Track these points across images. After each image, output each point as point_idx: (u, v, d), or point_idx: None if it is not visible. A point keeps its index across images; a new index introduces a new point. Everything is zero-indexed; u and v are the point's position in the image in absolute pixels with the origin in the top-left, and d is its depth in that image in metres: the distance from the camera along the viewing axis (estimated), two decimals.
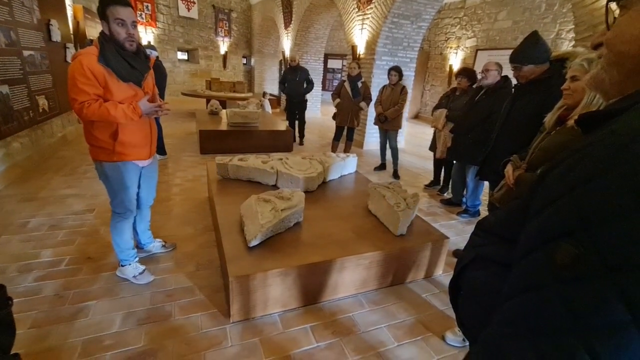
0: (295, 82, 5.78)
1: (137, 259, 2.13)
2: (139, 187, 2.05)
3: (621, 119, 0.43)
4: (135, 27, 1.68)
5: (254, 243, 1.94)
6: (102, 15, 1.63)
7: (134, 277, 2.08)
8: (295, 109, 6.04)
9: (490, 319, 0.49)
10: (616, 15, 0.49)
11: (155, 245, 2.39)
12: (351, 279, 2.07)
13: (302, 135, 6.19)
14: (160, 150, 4.47)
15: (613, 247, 0.36)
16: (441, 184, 4.19)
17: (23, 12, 3.67)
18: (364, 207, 2.62)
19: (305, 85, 5.81)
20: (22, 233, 2.54)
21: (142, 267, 2.12)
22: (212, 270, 2.27)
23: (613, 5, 0.49)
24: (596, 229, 0.37)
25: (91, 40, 1.51)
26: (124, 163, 1.85)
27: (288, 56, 9.13)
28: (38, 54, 3.97)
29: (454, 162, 3.63)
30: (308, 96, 6.09)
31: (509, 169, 1.75)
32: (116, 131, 1.76)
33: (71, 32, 5.23)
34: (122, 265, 2.09)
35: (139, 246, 2.33)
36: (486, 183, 3.13)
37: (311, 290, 1.97)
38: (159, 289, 2.05)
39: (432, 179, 4.38)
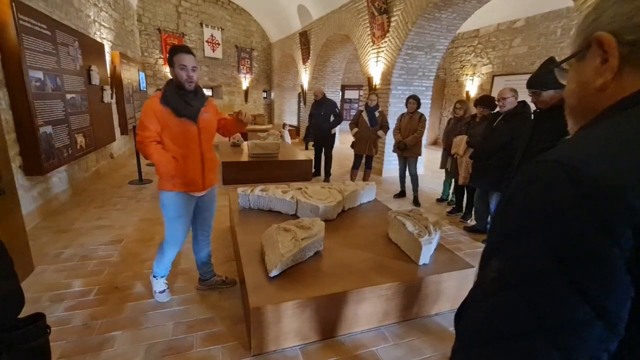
0: (320, 116, 5.45)
1: (165, 277, 2.26)
2: (195, 216, 2.20)
3: None
4: (194, 70, 1.91)
5: (274, 273, 1.95)
6: (170, 62, 1.88)
7: (155, 292, 2.23)
8: (321, 143, 5.67)
9: None
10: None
11: (216, 280, 2.41)
12: (373, 311, 2.01)
13: (327, 173, 5.65)
14: None
15: (520, 261, 0.40)
16: (464, 210, 4.09)
17: (68, 61, 4.08)
18: (384, 235, 2.59)
19: (331, 119, 5.43)
20: (56, 263, 2.67)
21: (165, 287, 2.25)
22: (233, 300, 2.28)
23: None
24: (509, 244, 0.42)
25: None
26: (177, 193, 2.02)
27: (307, 90, 9.50)
28: (79, 97, 4.34)
29: (477, 188, 3.56)
30: None
31: None
32: (173, 167, 1.95)
33: (108, 75, 5.72)
34: (154, 276, 2.24)
35: (201, 278, 2.40)
36: None
37: (333, 322, 1.93)
38: (181, 319, 2.07)
39: (454, 205, 4.29)
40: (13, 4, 2.94)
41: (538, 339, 0.37)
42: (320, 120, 5.46)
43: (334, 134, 5.63)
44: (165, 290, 2.26)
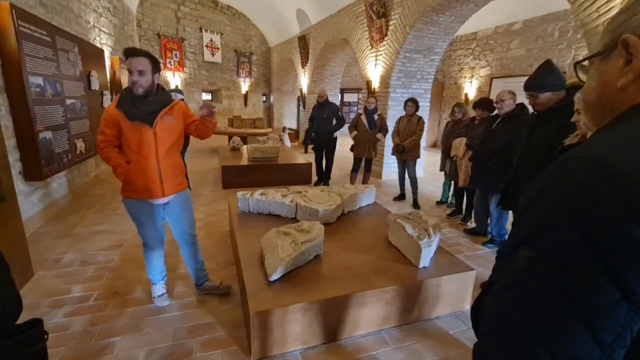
0: (322, 119, 5.24)
1: (163, 281, 2.28)
2: (171, 225, 2.19)
3: None
4: (141, 74, 1.83)
5: (274, 277, 1.94)
6: None
7: (154, 297, 2.24)
8: (322, 147, 5.41)
9: None
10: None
11: (209, 286, 2.38)
12: (373, 314, 2.00)
13: (327, 177, 5.50)
14: None
15: (554, 250, 0.43)
16: (463, 213, 4.09)
17: (68, 66, 4.10)
18: (384, 238, 2.59)
19: (334, 123, 5.24)
20: (55, 269, 2.66)
21: (163, 291, 2.27)
22: (233, 305, 2.27)
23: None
24: (542, 235, 0.44)
25: None
26: (134, 200, 2.02)
27: (307, 94, 9.51)
28: (78, 102, 4.36)
29: (476, 190, 3.56)
30: None
31: None
32: (124, 171, 1.97)
33: (108, 80, 5.74)
34: (152, 284, 2.26)
35: (195, 284, 2.39)
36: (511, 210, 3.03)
37: (332, 326, 1.92)
38: (181, 324, 2.06)
39: (454, 208, 4.29)
40: (13, 10, 2.96)
41: (571, 321, 0.40)
42: (323, 123, 5.25)
43: (336, 137, 5.42)
44: (163, 294, 2.26)
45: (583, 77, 0.61)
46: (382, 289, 1.97)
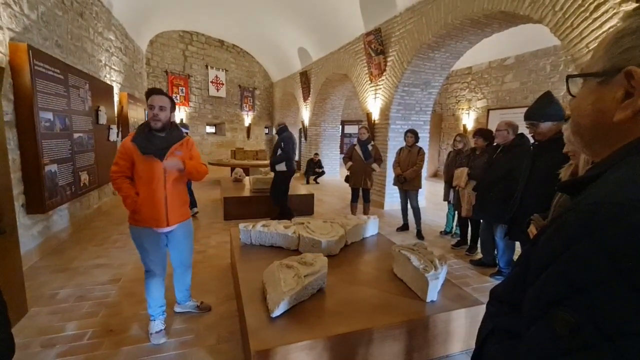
0: (273, 149, 4.80)
1: (163, 317, 2.26)
2: (170, 251, 2.29)
3: (590, 187, 0.46)
4: (161, 109, 2.02)
5: (276, 313, 1.87)
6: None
7: (151, 333, 2.17)
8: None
9: None
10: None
11: (190, 305, 2.51)
12: (381, 353, 1.90)
13: (280, 212, 4.87)
14: (192, 204, 4.91)
15: (603, 313, 0.36)
16: (469, 243, 4.02)
17: (78, 102, 4.24)
18: (389, 270, 2.53)
19: (277, 154, 4.63)
20: (50, 305, 2.58)
21: (162, 327, 2.21)
22: (233, 343, 2.17)
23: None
24: (584, 296, 0.38)
25: None
26: (140, 228, 2.11)
27: (308, 126, 9.74)
28: (86, 135, 4.45)
29: (481, 220, 3.52)
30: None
31: (532, 229, 1.69)
32: (133, 202, 2.08)
33: (115, 115, 5.91)
34: (151, 320, 2.22)
35: (177, 301, 2.51)
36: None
37: None
38: None
39: (458, 238, 4.22)
40: (30, 51, 3.11)
41: None
42: (272, 154, 4.81)
43: (281, 172, 4.73)
44: (162, 330, 2.20)
45: (574, 90, 0.56)
46: (389, 325, 1.88)
